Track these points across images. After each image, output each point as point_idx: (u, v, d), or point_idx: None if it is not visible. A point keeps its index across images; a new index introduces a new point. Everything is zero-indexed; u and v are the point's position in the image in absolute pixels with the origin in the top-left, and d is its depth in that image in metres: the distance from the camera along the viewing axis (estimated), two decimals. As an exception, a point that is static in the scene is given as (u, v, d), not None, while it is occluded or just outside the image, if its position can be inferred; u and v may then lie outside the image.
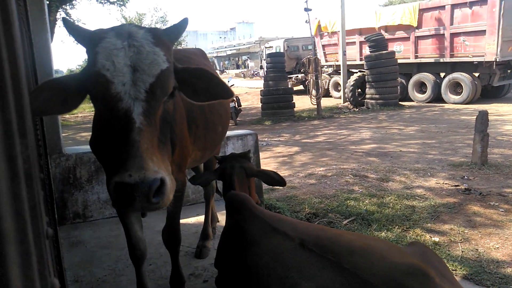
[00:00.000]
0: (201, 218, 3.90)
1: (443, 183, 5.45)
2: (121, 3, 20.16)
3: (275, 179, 2.55)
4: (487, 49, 13.40)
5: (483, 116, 6.04)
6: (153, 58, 1.58)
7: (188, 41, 35.69)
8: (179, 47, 24.71)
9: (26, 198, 0.39)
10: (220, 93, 1.86)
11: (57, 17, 16.56)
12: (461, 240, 3.71)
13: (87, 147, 2.43)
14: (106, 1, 19.86)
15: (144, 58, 1.56)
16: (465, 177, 5.65)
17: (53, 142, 3.99)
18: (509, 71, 14.90)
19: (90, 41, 1.60)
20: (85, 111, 19.35)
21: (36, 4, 3.83)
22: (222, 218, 3.91)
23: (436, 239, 3.74)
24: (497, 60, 13.34)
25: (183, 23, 1.84)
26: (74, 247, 3.64)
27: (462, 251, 3.48)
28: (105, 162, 2.20)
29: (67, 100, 1.68)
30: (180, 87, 1.79)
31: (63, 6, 17.36)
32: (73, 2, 18.71)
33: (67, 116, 18.62)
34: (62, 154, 4.07)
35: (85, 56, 1.86)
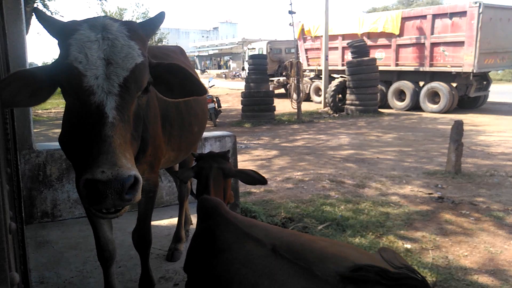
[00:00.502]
0: (174, 220, 3.83)
1: (417, 190, 5.54)
2: (102, -4, 19.83)
3: (255, 178, 2.51)
4: (465, 60, 13.75)
5: (458, 126, 6.17)
6: (127, 52, 1.54)
7: (169, 39, 35.32)
8: (160, 45, 24.47)
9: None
10: (194, 90, 1.84)
11: (34, 6, 16.13)
12: (432, 247, 3.77)
13: (58, 144, 2.35)
14: (86, -7, 19.47)
15: (118, 52, 1.52)
16: (439, 186, 5.75)
17: (24, 137, 3.86)
18: (485, 82, 15.33)
19: (63, 33, 1.55)
20: (59, 106, 18.89)
21: (10, -7, 3.71)
22: (196, 220, 3.85)
23: (408, 246, 3.78)
24: (474, 71, 13.70)
25: (160, 17, 1.81)
26: (41, 247, 3.52)
27: (432, 258, 3.53)
28: (75, 159, 2.13)
29: (37, 92, 1.63)
30: (154, 83, 1.75)
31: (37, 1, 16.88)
32: (52, -7, 18.26)
33: (40, 111, 18.16)
34: (33, 150, 3.94)
35: (60, 49, 1.82)
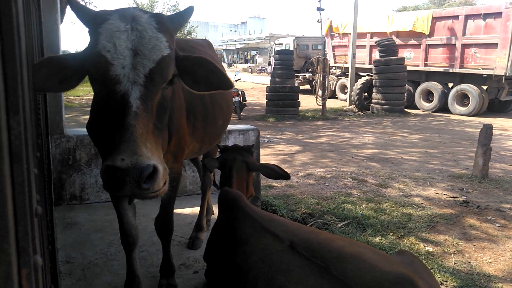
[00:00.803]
0: (196, 209, 3.90)
1: (441, 193, 5.44)
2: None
3: (278, 173, 2.54)
4: (498, 63, 13.33)
5: (487, 130, 6.01)
6: (155, 43, 1.57)
7: (198, 32, 35.60)
8: (188, 38, 24.68)
9: (9, 173, 0.38)
10: (220, 83, 1.87)
11: (69, -2, 16.53)
12: (454, 251, 3.70)
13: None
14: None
15: (146, 43, 1.55)
16: (464, 189, 5.63)
17: (55, 122, 3.99)
18: (517, 86, 14.83)
19: (94, 22, 1.59)
20: (90, 94, 19.36)
21: (48, -17, 3.82)
22: (217, 210, 3.91)
23: (430, 248, 3.73)
24: (507, 74, 13.26)
25: (188, 11, 1.84)
26: (68, 228, 3.65)
27: (454, 263, 3.48)
28: (101, 146, 2.20)
29: (66, 79, 1.68)
30: (181, 75, 1.79)
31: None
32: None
33: (72, 97, 18.66)
34: (63, 135, 4.08)
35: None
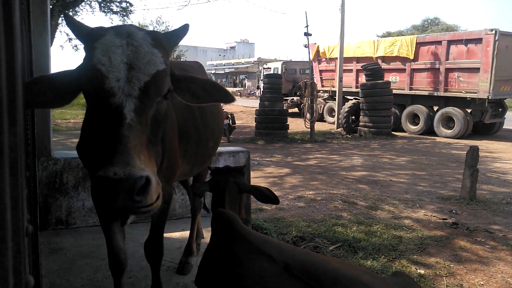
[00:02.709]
0: (186, 233, 3.83)
1: (431, 215, 5.45)
2: (124, 13, 20.30)
3: (268, 197, 2.51)
4: (480, 87, 13.68)
5: (473, 152, 6.11)
6: (150, 58, 1.58)
7: (187, 56, 35.93)
8: (178, 60, 24.85)
9: (9, 189, 0.37)
10: (220, 96, 1.89)
11: (58, 22, 16.61)
12: (446, 274, 3.68)
13: (76, 153, 2.40)
14: (108, 10, 19.98)
15: (141, 58, 1.56)
16: (453, 211, 5.66)
17: (43, 144, 3.93)
18: (500, 109, 15.20)
19: (89, 37, 1.60)
20: (78, 117, 19.22)
21: (39, 6, 3.84)
22: (207, 234, 3.85)
23: (422, 271, 3.71)
24: (490, 98, 13.61)
25: (184, 29, 1.86)
26: (53, 254, 3.54)
27: (447, 286, 3.45)
28: (91, 166, 2.16)
29: (61, 94, 1.68)
30: (178, 92, 1.80)
31: (66, 11, 17.44)
32: (76, 9, 18.81)
33: (59, 121, 18.49)
34: (51, 157, 4.01)
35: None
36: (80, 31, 1.67)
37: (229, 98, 1.91)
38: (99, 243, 3.64)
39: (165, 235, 2.65)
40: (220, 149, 4.48)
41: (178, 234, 4.09)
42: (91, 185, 2.12)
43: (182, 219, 4.51)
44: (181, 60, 29.84)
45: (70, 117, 19.86)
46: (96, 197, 1.39)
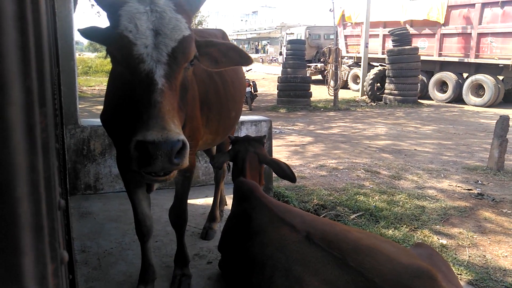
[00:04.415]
0: (209, 200, 3.92)
1: (456, 185, 5.37)
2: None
3: (286, 173, 2.51)
4: (515, 52, 13.03)
5: (503, 121, 5.90)
6: (175, 24, 1.60)
7: (209, 22, 35.48)
8: (200, 27, 24.57)
9: (42, 168, 0.38)
10: (239, 59, 1.93)
11: (81, -12, 16.53)
12: (469, 245, 3.66)
13: (101, 121, 2.51)
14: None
15: (166, 23, 1.58)
16: (479, 182, 5.55)
17: (70, 112, 4.02)
18: (535, 76, 14.50)
19: (112, 5, 1.61)
20: (102, 84, 19.50)
21: (61, -27, 3.82)
22: (230, 201, 3.92)
23: (444, 241, 3.70)
24: (525, 64, 12.97)
25: None
26: (83, 218, 3.70)
27: (469, 256, 3.44)
28: (116, 135, 2.21)
29: None
30: (200, 58, 1.82)
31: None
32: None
33: (84, 88, 18.81)
34: (78, 125, 4.11)
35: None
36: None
37: (249, 61, 1.95)
38: (126, 208, 3.77)
39: (189, 201, 2.72)
40: (242, 118, 4.48)
41: (202, 201, 4.19)
42: (119, 151, 2.17)
43: (205, 185, 4.61)
44: (203, 26, 29.50)
45: (94, 84, 20.16)
46: (135, 161, 1.43)
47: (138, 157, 1.41)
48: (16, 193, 0.34)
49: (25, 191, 0.34)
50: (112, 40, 1.57)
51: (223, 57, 1.89)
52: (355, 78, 18.36)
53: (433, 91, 15.68)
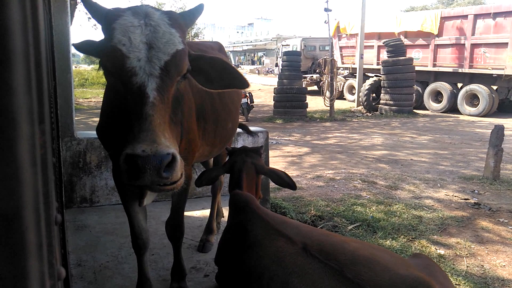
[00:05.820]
0: (206, 212, 3.90)
1: (452, 195, 5.38)
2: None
3: (285, 181, 2.50)
4: (508, 62, 13.17)
5: (498, 131, 5.95)
6: (169, 38, 1.61)
7: (205, 34, 35.74)
8: (196, 39, 24.72)
9: (41, 185, 0.38)
10: (235, 83, 1.90)
11: (77, 1, 16.66)
12: (467, 254, 3.66)
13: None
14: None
15: (160, 37, 1.59)
16: (476, 191, 5.57)
17: (66, 125, 4.02)
18: (528, 86, 14.65)
19: (107, 18, 1.63)
20: (98, 96, 19.50)
21: (58, -13, 3.85)
22: (227, 213, 3.90)
23: (442, 251, 3.69)
24: (517, 74, 13.11)
25: (199, 9, 1.88)
26: (79, 231, 3.66)
27: (467, 266, 3.44)
28: (111, 148, 2.20)
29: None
30: (193, 73, 1.81)
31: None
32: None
33: (80, 100, 18.80)
34: (74, 138, 4.10)
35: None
36: (97, 12, 1.69)
37: (245, 84, 1.91)
38: (122, 221, 3.74)
39: (186, 213, 2.70)
40: (238, 129, 4.49)
41: (198, 213, 4.17)
42: (115, 164, 2.16)
43: (202, 197, 4.59)
44: (199, 38, 29.67)
45: (91, 96, 20.17)
46: (125, 174, 1.44)
47: (127, 170, 1.41)
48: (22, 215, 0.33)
49: (30, 210, 0.34)
50: (105, 53, 1.58)
51: (219, 78, 1.86)
52: (351, 89, 18.48)
53: (428, 101, 15.80)
